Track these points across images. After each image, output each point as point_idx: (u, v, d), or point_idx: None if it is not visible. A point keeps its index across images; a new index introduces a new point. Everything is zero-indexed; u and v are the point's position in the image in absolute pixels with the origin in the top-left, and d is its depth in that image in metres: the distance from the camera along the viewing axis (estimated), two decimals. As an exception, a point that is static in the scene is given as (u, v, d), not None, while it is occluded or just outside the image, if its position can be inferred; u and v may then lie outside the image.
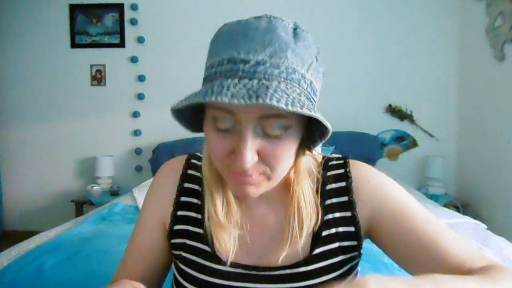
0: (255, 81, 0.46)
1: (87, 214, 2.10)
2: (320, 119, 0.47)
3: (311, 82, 0.51)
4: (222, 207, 0.60)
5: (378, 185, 0.62)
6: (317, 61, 0.53)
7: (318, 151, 0.68)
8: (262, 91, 0.44)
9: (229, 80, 0.46)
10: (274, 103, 0.42)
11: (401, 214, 0.59)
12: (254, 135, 0.50)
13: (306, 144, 0.58)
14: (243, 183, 0.53)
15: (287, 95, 0.45)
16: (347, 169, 0.64)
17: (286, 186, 0.61)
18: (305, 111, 0.44)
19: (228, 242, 0.60)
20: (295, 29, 0.51)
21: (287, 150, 0.52)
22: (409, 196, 0.62)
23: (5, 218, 3.27)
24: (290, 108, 0.43)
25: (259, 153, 0.51)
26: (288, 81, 0.48)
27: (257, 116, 0.49)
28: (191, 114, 0.57)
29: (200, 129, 0.60)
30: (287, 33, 0.50)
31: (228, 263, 0.60)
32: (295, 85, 0.48)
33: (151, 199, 0.70)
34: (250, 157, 0.49)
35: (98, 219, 1.89)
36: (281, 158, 0.52)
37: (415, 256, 0.56)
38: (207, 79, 0.51)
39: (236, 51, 0.49)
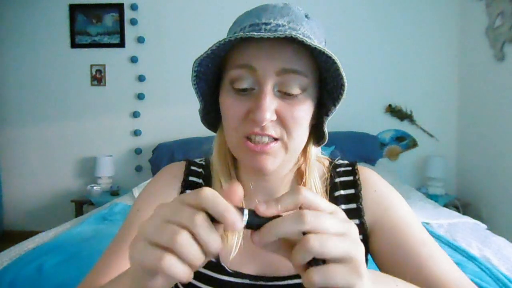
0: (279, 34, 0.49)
1: (87, 214, 2.10)
2: (335, 60, 0.49)
3: None
4: None
5: (383, 196, 0.62)
6: (325, 43, 0.56)
7: (323, 155, 0.68)
8: (290, 33, 0.47)
9: (255, 33, 0.48)
10: (305, 38, 0.46)
11: (399, 229, 0.59)
12: (273, 93, 0.51)
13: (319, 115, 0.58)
14: (260, 152, 0.51)
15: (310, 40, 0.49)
16: (356, 177, 0.64)
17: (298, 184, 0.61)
18: (327, 51, 0.47)
19: (231, 239, 0.57)
20: (306, 15, 0.56)
21: (304, 113, 0.53)
22: (411, 213, 0.61)
23: (5, 218, 3.27)
24: (315, 43, 0.46)
25: (277, 114, 0.51)
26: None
27: (277, 69, 0.50)
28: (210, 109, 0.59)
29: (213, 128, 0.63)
30: (301, 12, 0.55)
31: (230, 258, 0.56)
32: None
33: (149, 201, 0.63)
34: (269, 104, 0.49)
35: (98, 219, 1.89)
36: (298, 120, 0.52)
37: (403, 275, 0.53)
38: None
39: (257, 19, 0.53)
